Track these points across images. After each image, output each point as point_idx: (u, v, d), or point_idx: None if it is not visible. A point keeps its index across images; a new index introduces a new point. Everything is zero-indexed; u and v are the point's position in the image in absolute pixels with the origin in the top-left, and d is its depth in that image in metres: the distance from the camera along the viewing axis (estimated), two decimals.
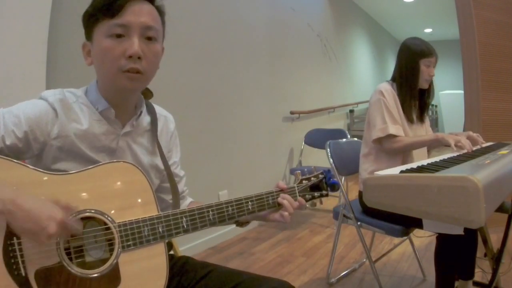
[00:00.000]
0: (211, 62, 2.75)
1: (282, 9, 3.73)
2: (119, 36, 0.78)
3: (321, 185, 1.00)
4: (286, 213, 0.90)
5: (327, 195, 1.01)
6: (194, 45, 2.58)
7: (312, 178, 0.99)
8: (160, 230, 0.77)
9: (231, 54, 2.96)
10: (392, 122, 1.64)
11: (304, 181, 0.98)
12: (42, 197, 0.69)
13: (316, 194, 0.99)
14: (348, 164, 1.95)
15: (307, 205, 0.97)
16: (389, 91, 1.70)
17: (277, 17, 3.62)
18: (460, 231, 1.31)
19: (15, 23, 1.49)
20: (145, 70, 0.81)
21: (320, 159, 3.67)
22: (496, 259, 1.49)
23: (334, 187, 1.01)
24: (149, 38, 0.81)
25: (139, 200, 0.78)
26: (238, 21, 3.06)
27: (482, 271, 1.81)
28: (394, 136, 1.63)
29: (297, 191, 0.96)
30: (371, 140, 1.69)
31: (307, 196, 0.97)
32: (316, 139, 3.62)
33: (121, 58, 0.78)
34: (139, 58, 0.79)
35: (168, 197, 1.00)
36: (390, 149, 1.66)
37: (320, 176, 1.01)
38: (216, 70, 2.79)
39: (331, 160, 1.89)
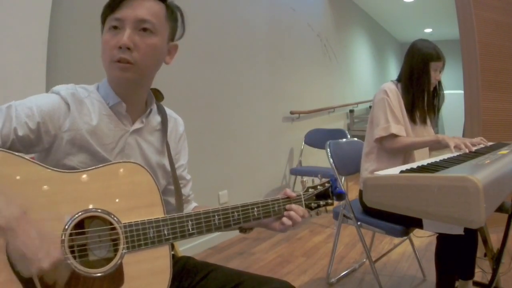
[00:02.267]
0: (211, 62, 2.75)
1: (282, 9, 3.73)
2: (115, 28, 0.81)
3: (327, 194, 1.00)
4: (290, 223, 0.90)
5: (332, 204, 1.01)
6: (194, 45, 2.57)
7: (319, 187, 0.99)
8: (166, 232, 0.77)
9: (231, 54, 2.96)
10: (395, 122, 1.64)
11: (310, 190, 0.98)
12: (49, 195, 0.69)
13: (321, 202, 0.99)
14: (348, 164, 1.95)
15: (312, 214, 0.98)
16: (393, 91, 1.70)
17: (277, 17, 3.62)
18: (460, 231, 1.31)
19: (15, 23, 1.49)
20: (136, 60, 0.82)
21: (320, 159, 3.67)
22: (496, 259, 1.49)
23: (340, 196, 1.00)
24: (145, 30, 0.82)
25: (146, 201, 0.78)
26: (238, 21, 3.06)
27: (482, 271, 1.81)
28: (396, 135, 1.63)
29: (303, 200, 0.96)
30: (373, 139, 1.69)
31: (312, 204, 0.97)
32: (316, 139, 3.61)
33: (114, 49, 0.80)
34: (128, 48, 0.80)
35: (174, 200, 1.00)
36: (391, 149, 1.66)
37: (327, 185, 1.00)
38: (216, 70, 2.79)
39: (331, 160, 1.88)
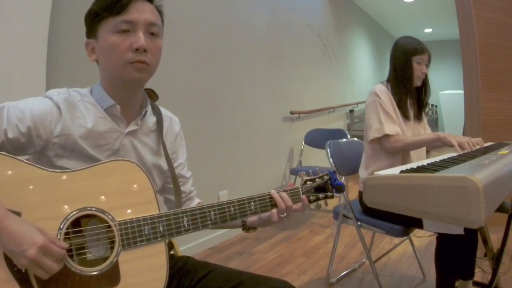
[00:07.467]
0: (211, 62, 2.75)
1: (283, 9, 3.73)
2: (125, 31, 0.81)
3: (326, 187, 0.98)
4: (274, 211, 0.89)
5: (332, 196, 0.98)
6: (194, 45, 2.58)
7: (317, 179, 0.97)
8: (161, 229, 0.77)
9: (231, 54, 2.96)
10: (389, 122, 1.63)
11: (308, 182, 0.96)
12: (42, 195, 0.69)
13: (320, 195, 0.97)
14: (348, 164, 1.95)
15: (312, 207, 0.96)
16: (383, 91, 1.70)
17: (278, 17, 3.62)
18: (460, 231, 1.31)
19: (15, 23, 1.49)
20: (151, 62, 0.84)
21: (320, 159, 3.67)
22: (496, 259, 1.49)
23: (339, 188, 0.98)
24: (152, 34, 0.85)
25: (141, 199, 0.78)
26: (238, 21, 3.06)
27: (482, 271, 1.81)
28: (392, 135, 1.62)
29: (300, 192, 0.94)
30: (368, 141, 1.69)
31: (311, 197, 0.95)
32: (316, 139, 3.62)
33: (128, 52, 0.81)
34: (144, 50, 0.82)
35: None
36: (391, 149, 1.65)
37: (325, 177, 0.98)
38: (216, 70, 2.79)
39: (331, 160, 1.88)
